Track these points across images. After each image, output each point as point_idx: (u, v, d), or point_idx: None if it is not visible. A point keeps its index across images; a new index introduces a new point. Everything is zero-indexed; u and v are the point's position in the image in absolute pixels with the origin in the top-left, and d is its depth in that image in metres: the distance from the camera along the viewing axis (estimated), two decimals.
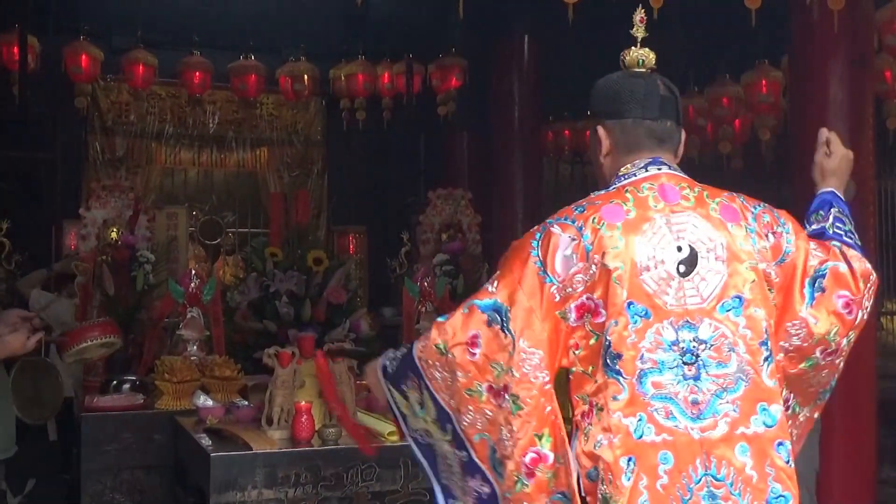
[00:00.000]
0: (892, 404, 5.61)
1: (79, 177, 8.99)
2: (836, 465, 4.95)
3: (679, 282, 1.83)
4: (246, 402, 4.16)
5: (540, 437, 1.84)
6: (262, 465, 3.25)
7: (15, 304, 5.96)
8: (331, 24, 8.47)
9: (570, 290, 1.83)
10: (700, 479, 1.76)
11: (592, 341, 1.83)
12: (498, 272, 1.91)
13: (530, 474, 1.84)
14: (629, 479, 1.75)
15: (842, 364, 2.07)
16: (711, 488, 1.77)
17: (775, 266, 1.93)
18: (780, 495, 1.81)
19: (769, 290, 1.91)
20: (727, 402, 1.80)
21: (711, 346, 1.81)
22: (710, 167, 8.48)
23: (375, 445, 3.23)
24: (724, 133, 7.81)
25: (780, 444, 1.84)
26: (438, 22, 7.89)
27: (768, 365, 1.85)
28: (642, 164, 1.96)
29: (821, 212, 2.15)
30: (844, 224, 2.12)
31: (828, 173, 2.19)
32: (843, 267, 2.00)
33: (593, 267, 1.82)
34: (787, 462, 1.84)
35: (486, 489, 1.92)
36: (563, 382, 1.89)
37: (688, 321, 1.82)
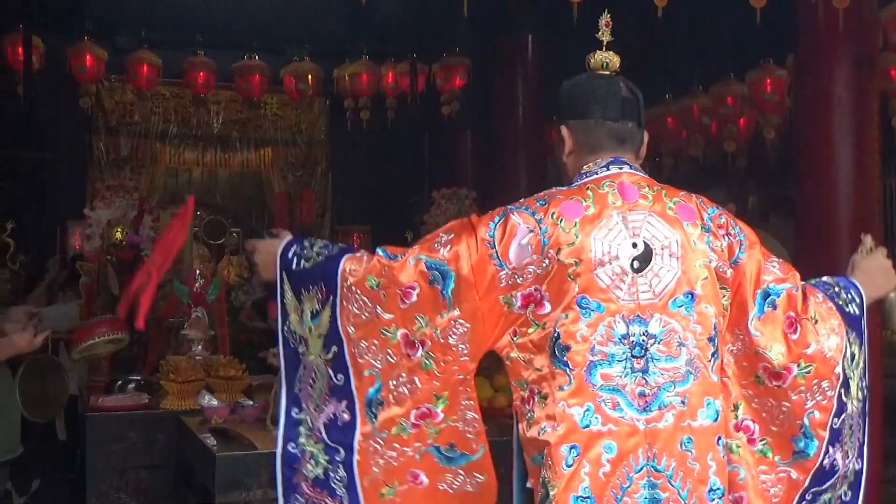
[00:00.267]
0: None
1: (83, 177, 9.00)
2: None
3: (633, 277, 1.88)
4: (251, 402, 4.17)
5: (438, 398, 1.90)
6: (267, 464, 3.23)
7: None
8: (334, 24, 8.45)
9: (521, 279, 1.87)
10: (641, 469, 1.82)
11: (531, 330, 1.88)
12: (453, 235, 1.91)
13: (415, 426, 1.90)
14: (570, 466, 1.80)
15: (817, 414, 1.99)
16: (651, 478, 1.82)
17: (730, 266, 1.96)
18: (718, 488, 1.88)
19: (723, 287, 1.96)
20: (674, 395, 1.86)
21: (661, 340, 1.87)
22: (714, 166, 8.47)
23: None
24: (728, 132, 7.78)
25: (720, 438, 1.91)
26: (442, 22, 7.86)
27: (714, 361, 1.93)
28: (604, 164, 2.00)
29: (837, 283, 2.17)
30: (849, 298, 2.12)
31: (857, 269, 2.23)
32: (795, 291, 2.01)
33: (547, 261, 1.86)
34: (723, 456, 1.92)
35: (346, 416, 1.94)
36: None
37: (639, 316, 1.87)
